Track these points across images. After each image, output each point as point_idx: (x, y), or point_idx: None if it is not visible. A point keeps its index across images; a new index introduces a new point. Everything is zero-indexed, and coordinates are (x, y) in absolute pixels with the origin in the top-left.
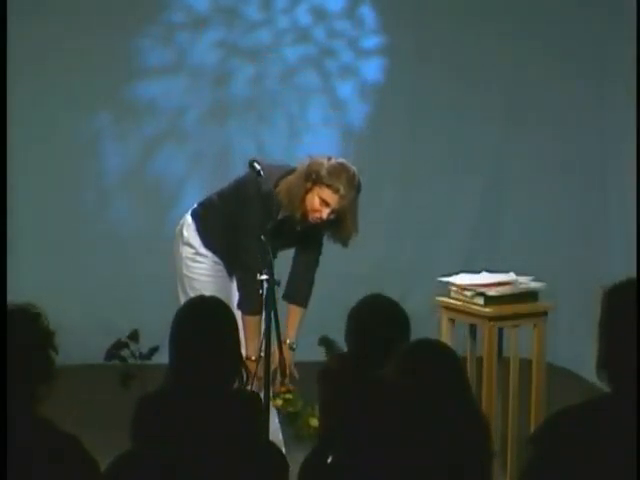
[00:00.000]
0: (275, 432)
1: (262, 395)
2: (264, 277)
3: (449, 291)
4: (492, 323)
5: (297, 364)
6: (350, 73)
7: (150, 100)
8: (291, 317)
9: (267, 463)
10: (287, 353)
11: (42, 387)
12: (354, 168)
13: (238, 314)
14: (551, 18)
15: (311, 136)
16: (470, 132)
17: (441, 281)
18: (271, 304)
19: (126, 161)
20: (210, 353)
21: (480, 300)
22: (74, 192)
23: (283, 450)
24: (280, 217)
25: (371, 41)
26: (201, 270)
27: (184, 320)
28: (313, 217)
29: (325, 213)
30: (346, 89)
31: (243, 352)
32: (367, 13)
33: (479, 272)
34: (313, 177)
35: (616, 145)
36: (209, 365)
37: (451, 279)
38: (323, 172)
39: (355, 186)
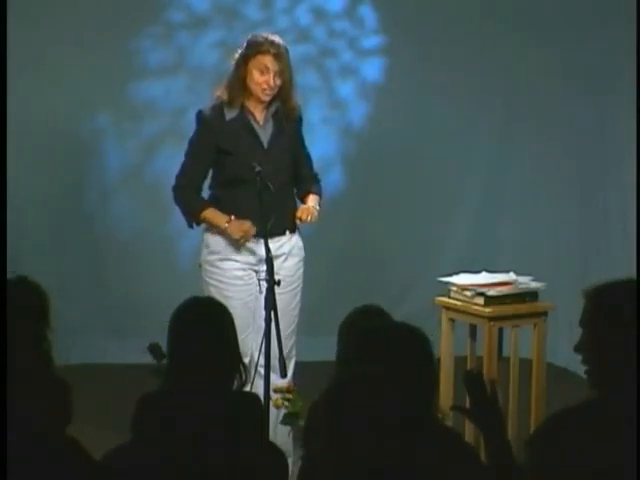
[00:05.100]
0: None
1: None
2: (258, 168)
3: (449, 291)
4: (492, 323)
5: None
6: (350, 73)
7: (150, 100)
8: (309, 200)
9: (267, 463)
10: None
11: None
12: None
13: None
14: (551, 19)
15: (311, 136)
16: (470, 132)
17: (441, 281)
18: (271, 304)
19: (126, 161)
20: (206, 353)
21: (480, 300)
22: (74, 192)
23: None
24: (228, 118)
25: (371, 41)
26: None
27: (179, 321)
28: (262, 90)
29: (270, 78)
30: (346, 89)
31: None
32: (367, 13)
33: (479, 272)
34: (243, 58)
35: (616, 145)
36: (205, 365)
37: (451, 279)
38: (249, 47)
39: (283, 46)
